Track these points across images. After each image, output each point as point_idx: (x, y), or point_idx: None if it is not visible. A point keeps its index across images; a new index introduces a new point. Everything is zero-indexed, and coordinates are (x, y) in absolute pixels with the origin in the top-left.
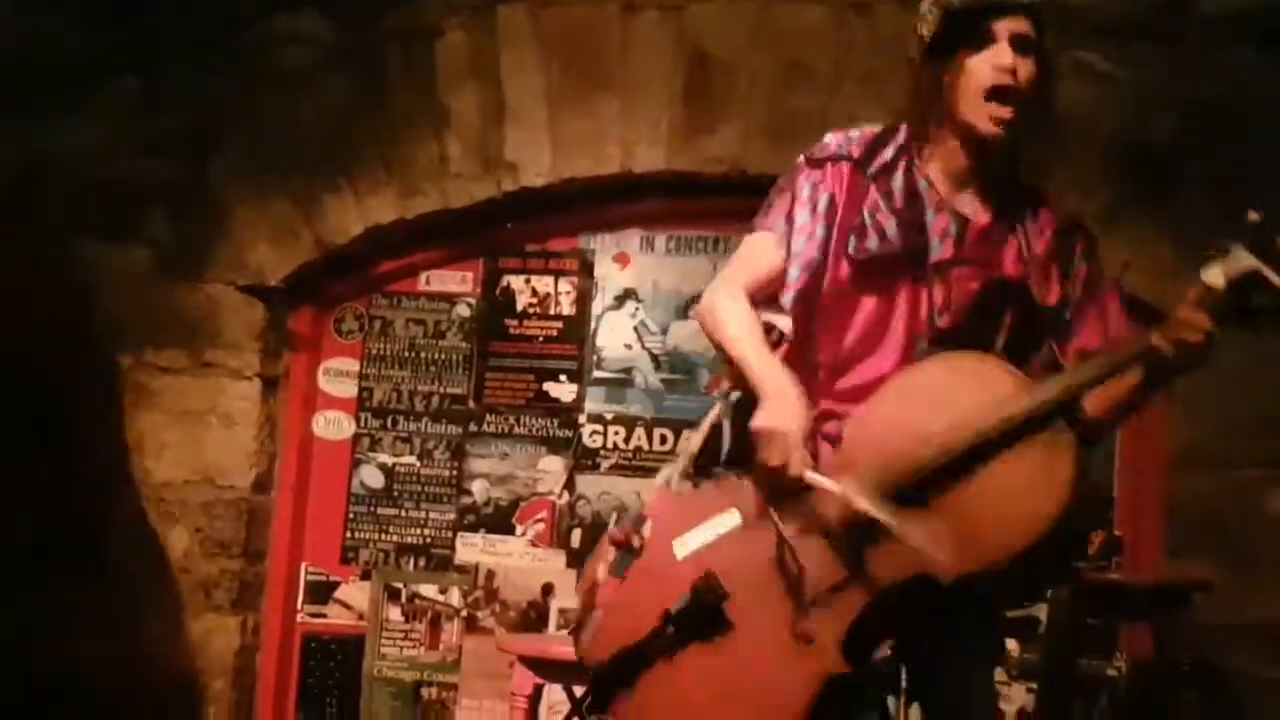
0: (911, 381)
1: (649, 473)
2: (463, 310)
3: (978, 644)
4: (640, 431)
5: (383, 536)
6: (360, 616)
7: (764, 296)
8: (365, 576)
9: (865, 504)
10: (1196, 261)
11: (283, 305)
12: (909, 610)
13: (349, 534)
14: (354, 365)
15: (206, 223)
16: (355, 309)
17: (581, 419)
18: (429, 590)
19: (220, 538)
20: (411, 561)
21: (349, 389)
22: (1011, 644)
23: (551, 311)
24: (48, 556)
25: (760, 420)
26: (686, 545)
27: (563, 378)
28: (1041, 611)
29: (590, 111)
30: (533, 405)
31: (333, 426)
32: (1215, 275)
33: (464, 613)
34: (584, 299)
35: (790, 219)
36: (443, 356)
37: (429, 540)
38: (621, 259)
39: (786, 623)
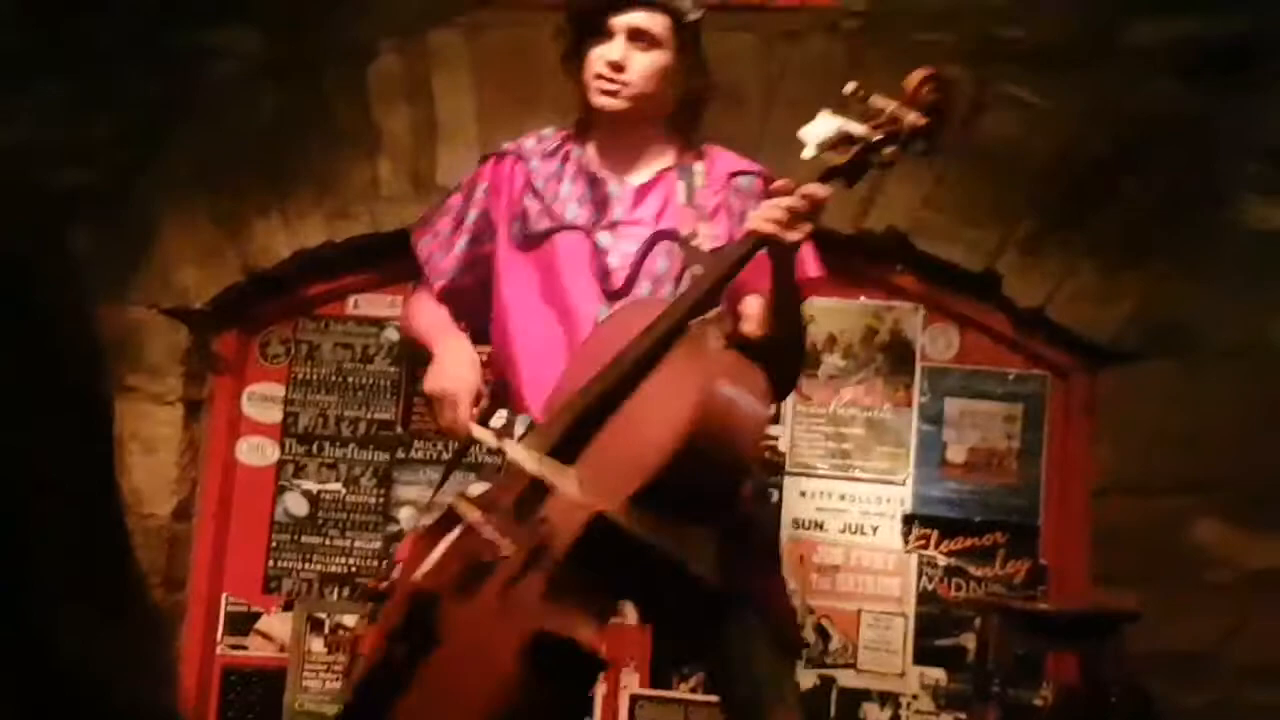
0: (585, 342)
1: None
2: (392, 334)
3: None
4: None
5: (306, 566)
6: (282, 648)
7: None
8: (288, 607)
9: (515, 451)
10: (1119, 287)
11: (207, 328)
12: (621, 570)
13: (271, 563)
14: (279, 390)
15: (130, 241)
16: (281, 333)
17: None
18: (353, 621)
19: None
20: (336, 591)
21: (274, 414)
22: (939, 673)
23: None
24: None
25: (429, 382)
26: (422, 571)
27: None
28: (969, 641)
29: (523, 134)
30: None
31: (256, 452)
32: (808, 148)
33: None
34: None
35: (453, 221)
36: (371, 381)
37: (354, 569)
38: None
39: (495, 601)
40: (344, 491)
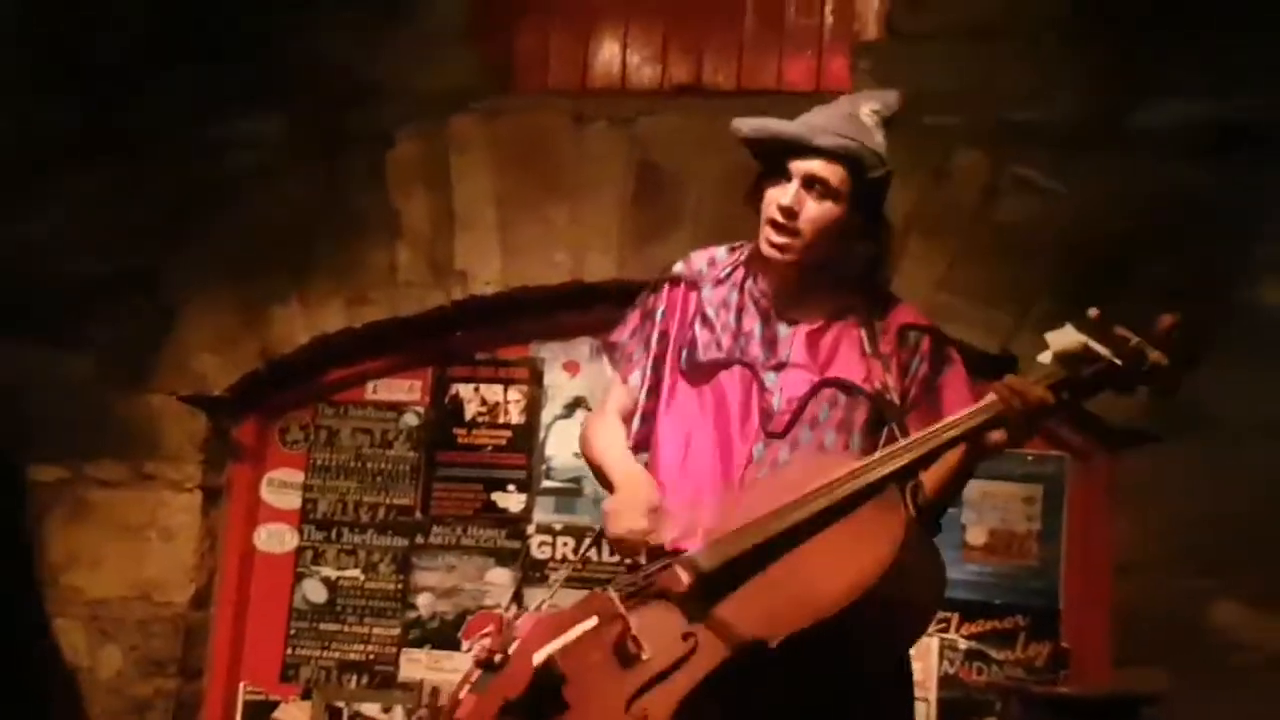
0: (756, 479)
1: (600, 584)
2: (410, 419)
3: None
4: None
5: (324, 653)
6: None
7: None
8: (306, 695)
9: (681, 572)
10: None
11: (226, 415)
12: (759, 689)
13: (289, 651)
14: (298, 476)
15: (149, 328)
16: (300, 418)
17: (530, 529)
18: (371, 709)
19: (156, 656)
20: (354, 679)
21: (293, 500)
22: None
23: (500, 420)
24: None
25: (609, 502)
26: (544, 653)
27: (511, 487)
28: None
29: (541, 219)
30: (481, 516)
31: (275, 539)
32: (1045, 353)
33: None
34: (533, 408)
35: (631, 349)
36: (389, 466)
37: (372, 657)
38: (571, 367)
39: (624, 702)
40: (363, 578)
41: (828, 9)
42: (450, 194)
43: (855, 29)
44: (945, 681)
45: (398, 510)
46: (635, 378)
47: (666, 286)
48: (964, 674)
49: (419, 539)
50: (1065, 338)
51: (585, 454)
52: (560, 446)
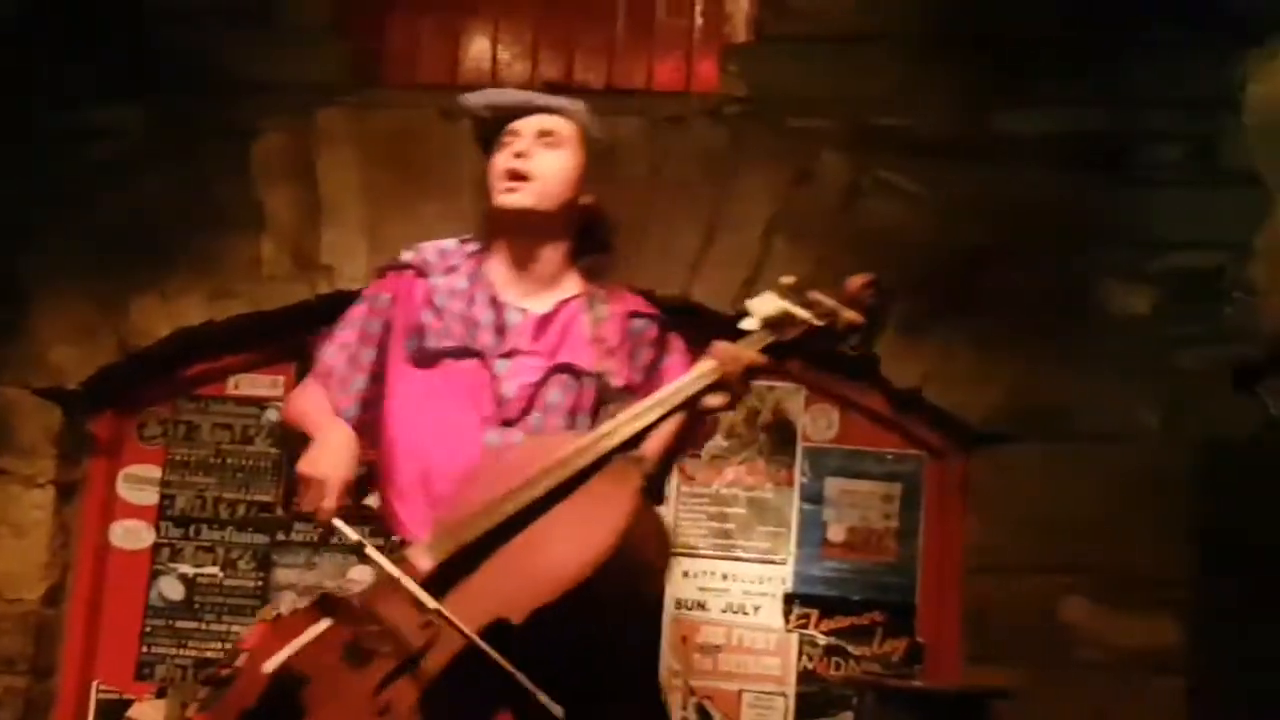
0: (485, 465)
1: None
2: (273, 415)
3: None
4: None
5: (181, 651)
6: None
7: None
8: (161, 694)
9: (374, 553)
10: (992, 371)
11: (82, 409)
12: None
13: (145, 649)
14: (156, 472)
15: (3, 320)
16: (159, 413)
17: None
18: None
19: (6, 654)
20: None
21: (150, 496)
22: None
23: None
24: None
25: (301, 464)
26: (275, 660)
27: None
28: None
29: (409, 215)
30: (343, 513)
31: (131, 536)
32: (750, 320)
33: None
34: None
35: (348, 335)
36: (250, 463)
37: (218, 670)
38: None
39: (369, 696)
40: (221, 575)
41: (698, 11)
42: (317, 188)
43: (725, 31)
44: (804, 676)
45: (258, 507)
46: (348, 370)
47: (393, 274)
48: (822, 669)
49: (280, 536)
50: (767, 304)
51: (286, 415)
52: None
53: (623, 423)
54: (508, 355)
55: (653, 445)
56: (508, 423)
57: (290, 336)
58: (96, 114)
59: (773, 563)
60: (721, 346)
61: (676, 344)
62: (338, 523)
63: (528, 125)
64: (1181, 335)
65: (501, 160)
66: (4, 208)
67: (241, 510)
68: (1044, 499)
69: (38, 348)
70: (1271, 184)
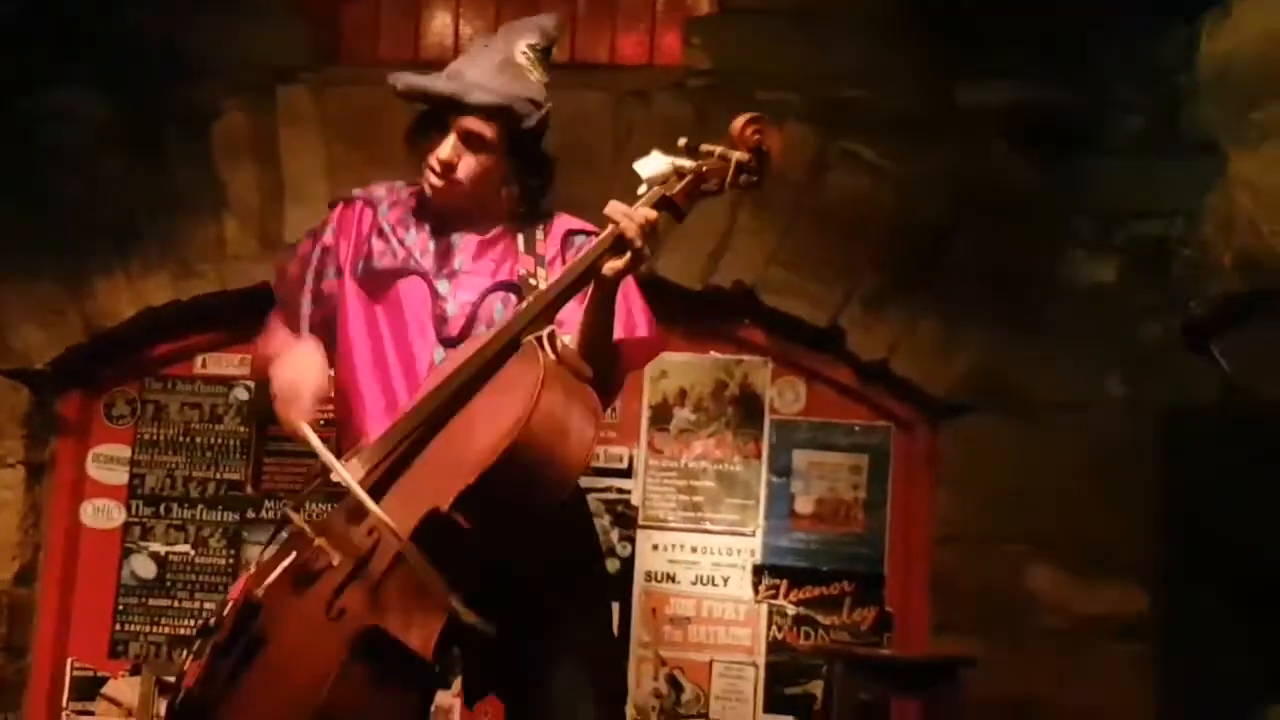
0: (431, 378)
1: None
2: (240, 394)
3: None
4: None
5: (154, 629)
6: (130, 713)
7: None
8: (135, 671)
9: (329, 459)
10: (957, 342)
11: (50, 389)
12: (454, 559)
13: (118, 626)
14: (125, 451)
15: None
16: (127, 393)
17: None
18: None
19: None
20: (185, 654)
21: (120, 476)
22: None
23: (332, 394)
24: None
25: (275, 374)
26: (235, 588)
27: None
28: (817, 688)
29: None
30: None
31: (102, 515)
32: (641, 185)
33: None
34: None
35: (300, 264)
36: (219, 441)
37: (205, 620)
38: None
39: (323, 608)
40: (192, 553)
41: None
42: (279, 166)
43: (688, 3)
44: (774, 646)
45: (228, 485)
46: (301, 299)
47: (340, 206)
48: (791, 638)
49: (249, 514)
50: (654, 164)
51: (256, 354)
52: None
53: (529, 304)
54: (450, 276)
55: (578, 331)
56: (450, 341)
57: (256, 315)
58: (56, 96)
59: (741, 535)
60: (615, 207)
61: None
62: (305, 429)
63: (458, 125)
64: (1145, 304)
65: (430, 158)
66: None
67: (211, 488)
68: (1010, 469)
69: (3, 330)
70: (1223, 141)
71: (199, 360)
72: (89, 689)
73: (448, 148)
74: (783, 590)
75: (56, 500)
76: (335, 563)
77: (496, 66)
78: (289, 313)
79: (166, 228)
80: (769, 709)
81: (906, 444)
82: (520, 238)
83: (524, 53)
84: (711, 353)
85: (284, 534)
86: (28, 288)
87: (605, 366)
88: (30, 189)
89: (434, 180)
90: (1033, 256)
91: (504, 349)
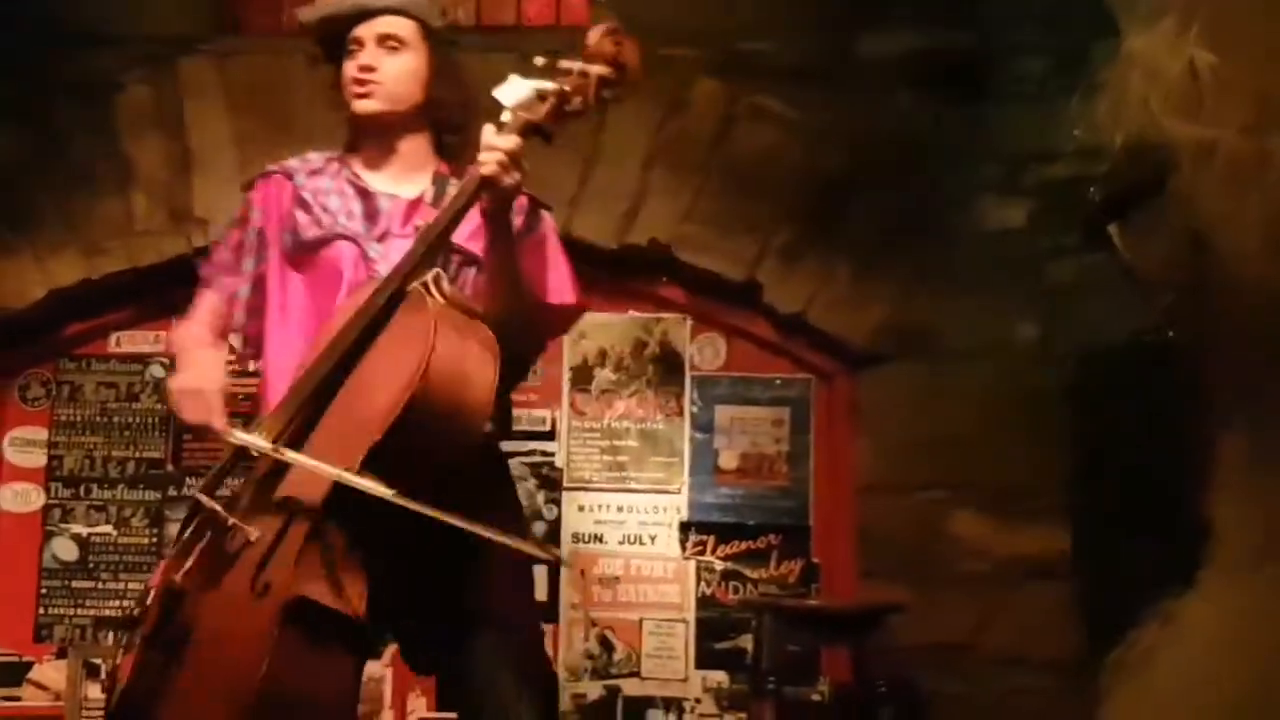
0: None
1: None
2: (156, 371)
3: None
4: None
5: (78, 611)
6: (57, 697)
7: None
8: (61, 654)
9: (242, 439)
10: (871, 292)
11: None
12: (367, 537)
13: (42, 610)
14: (42, 434)
15: None
16: (41, 375)
17: None
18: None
19: None
20: (111, 635)
21: (37, 459)
22: (721, 676)
23: (251, 368)
24: None
25: (174, 381)
26: (155, 577)
27: None
28: (748, 642)
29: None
30: (235, 467)
31: (20, 499)
32: (505, 113)
33: None
34: None
35: (224, 257)
36: (137, 420)
37: (129, 612)
38: None
39: (248, 586)
40: (115, 533)
41: None
42: (185, 139)
43: None
44: (703, 602)
45: (148, 464)
46: (231, 281)
47: (260, 183)
48: (720, 594)
49: (171, 491)
50: (515, 90)
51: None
52: None
53: (410, 250)
54: (380, 239)
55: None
56: None
57: (168, 291)
58: None
59: (667, 492)
60: (484, 140)
61: (540, 215)
62: (217, 421)
63: (369, 30)
64: (1055, 246)
65: (349, 69)
66: None
67: (131, 468)
68: (928, 416)
69: None
70: (1122, 19)
71: (113, 338)
72: (15, 674)
73: (366, 55)
74: (710, 546)
75: None
76: (253, 539)
77: None
78: (218, 294)
79: (72, 206)
80: (700, 665)
81: (827, 395)
82: (431, 190)
83: None
84: (630, 312)
85: (197, 517)
86: None
87: (518, 302)
88: None
89: (358, 90)
90: (942, 203)
91: (390, 299)
